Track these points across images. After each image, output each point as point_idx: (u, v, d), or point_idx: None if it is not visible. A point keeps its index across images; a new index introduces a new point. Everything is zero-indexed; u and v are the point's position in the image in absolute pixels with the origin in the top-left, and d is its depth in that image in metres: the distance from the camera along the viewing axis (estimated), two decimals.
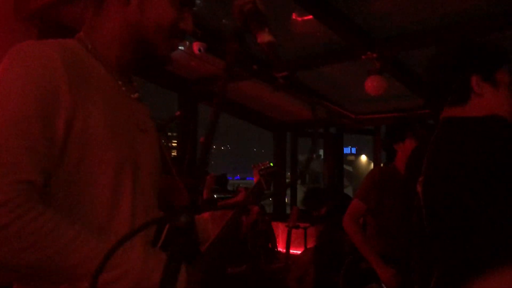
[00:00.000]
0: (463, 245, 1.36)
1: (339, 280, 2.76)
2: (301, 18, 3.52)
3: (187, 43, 3.82)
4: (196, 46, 3.75)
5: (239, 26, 0.85)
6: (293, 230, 4.43)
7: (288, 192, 6.90)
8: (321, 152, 6.87)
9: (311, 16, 3.35)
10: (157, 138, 1.17)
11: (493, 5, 3.04)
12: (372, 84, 3.71)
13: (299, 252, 5.22)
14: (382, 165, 4.14)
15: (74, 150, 0.91)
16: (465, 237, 1.35)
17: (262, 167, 1.59)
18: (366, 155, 32.51)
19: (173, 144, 6.84)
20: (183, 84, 5.09)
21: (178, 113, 3.70)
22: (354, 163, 32.90)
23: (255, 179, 1.55)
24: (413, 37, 3.56)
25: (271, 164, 1.65)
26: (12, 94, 0.87)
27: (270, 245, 4.92)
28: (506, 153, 1.28)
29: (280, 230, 5.75)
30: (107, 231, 0.93)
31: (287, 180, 7.03)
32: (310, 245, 4.88)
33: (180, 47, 3.56)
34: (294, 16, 3.52)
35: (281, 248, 5.35)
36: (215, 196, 4.61)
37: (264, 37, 0.84)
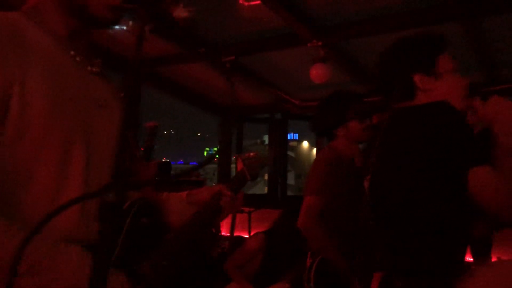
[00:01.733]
0: (407, 241, 1.39)
1: (308, 277, 2.45)
2: (248, 3, 3.50)
3: (131, 23, 3.69)
4: None
5: None
6: (238, 215, 4.46)
7: None
8: (266, 137, 6.94)
9: (258, 1, 3.33)
10: (118, 114, 1.12)
11: None
12: (317, 72, 3.78)
13: (244, 235, 5.27)
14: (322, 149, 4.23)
15: (13, 128, 0.86)
16: (409, 233, 1.39)
17: (246, 157, 1.53)
18: (308, 141, 33.26)
19: None
20: (127, 65, 4.93)
21: (121, 94, 3.58)
22: (297, 149, 33.58)
23: (238, 168, 1.49)
24: (357, 26, 3.65)
25: (259, 153, 1.59)
26: None
27: (213, 230, 4.93)
28: (446, 139, 1.32)
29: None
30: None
31: (233, 165, 7.04)
32: (254, 229, 4.93)
33: (123, 27, 3.43)
34: (241, 0, 3.49)
35: (224, 233, 5.39)
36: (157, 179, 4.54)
37: (179, 12, 0.83)
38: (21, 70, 0.87)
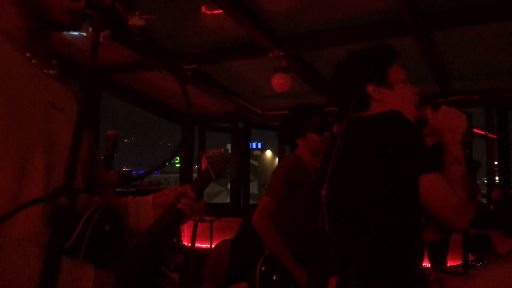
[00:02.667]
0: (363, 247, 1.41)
1: (254, 277, 2.59)
2: (211, 12, 3.52)
3: (90, 29, 3.63)
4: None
5: (105, 5, 0.82)
6: (199, 224, 4.43)
7: None
8: (229, 146, 6.93)
9: (220, 11, 3.36)
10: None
11: (392, 11, 3.29)
12: (278, 81, 3.83)
13: (204, 246, 5.24)
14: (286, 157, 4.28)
15: None
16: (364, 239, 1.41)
17: (212, 155, 1.47)
18: (271, 150, 33.43)
19: None
20: (84, 72, 4.82)
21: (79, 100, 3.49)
22: (260, 158, 33.67)
23: (203, 166, 1.44)
24: (317, 37, 3.73)
25: (225, 150, 1.53)
26: None
27: (175, 240, 4.87)
28: (398, 147, 1.37)
29: (185, 224, 5.70)
30: (14, 221, 0.86)
31: (194, 175, 6.99)
32: (217, 239, 4.91)
33: (82, 33, 3.38)
34: (203, 9, 3.50)
35: (186, 242, 5.32)
36: (118, 190, 4.45)
37: (135, 21, 0.83)
38: None
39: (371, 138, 1.44)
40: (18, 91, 0.90)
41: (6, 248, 0.84)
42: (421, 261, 1.55)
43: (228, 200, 6.87)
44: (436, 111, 1.56)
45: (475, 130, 1.59)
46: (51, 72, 1.03)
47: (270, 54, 3.79)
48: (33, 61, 0.99)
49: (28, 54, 0.98)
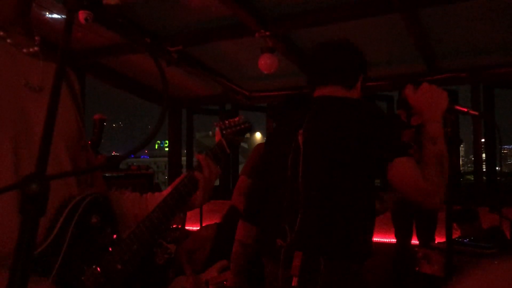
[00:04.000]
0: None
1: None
2: None
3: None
4: (82, 15, 3.50)
5: None
6: None
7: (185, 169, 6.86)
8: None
9: None
10: (63, 100, 1.02)
11: None
12: (265, 62, 3.79)
13: (194, 228, 5.24)
14: None
15: None
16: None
17: (227, 125, 1.23)
18: (260, 132, 33.42)
19: None
20: (68, 55, 4.73)
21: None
22: (249, 140, 33.66)
23: (216, 139, 1.22)
24: (303, 16, 3.69)
25: (243, 117, 1.29)
26: None
27: (179, 226, 4.86)
28: (373, 132, 1.47)
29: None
30: None
31: (183, 158, 6.96)
32: (206, 221, 4.90)
33: (63, 16, 3.29)
34: None
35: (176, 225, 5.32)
36: (106, 175, 4.41)
37: (109, 0, 0.79)
38: None
39: (348, 121, 1.52)
40: None
41: None
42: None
43: (218, 182, 6.86)
44: (417, 89, 1.56)
45: (456, 107, 1.60)
46: (31, 50, 0.98)
47: (256, 34, 3.74)
48: (8, 40, 0.94)
49: (1, 33, 0.93)
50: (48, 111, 0.51)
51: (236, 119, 1.27)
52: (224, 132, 1.22)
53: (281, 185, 1.63)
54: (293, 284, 1.46)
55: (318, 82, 1.72)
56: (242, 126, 1.25)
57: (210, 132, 1.41)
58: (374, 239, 1.63)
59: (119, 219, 1.09)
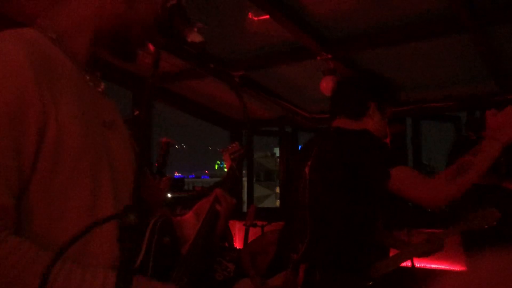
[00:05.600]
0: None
1: None
2: (257, 18, 3.53)
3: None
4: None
5: (163, 21, 0.83)
6: (251, 228, 4.44)
7: (245, 190, 6.92)
8: (276, 150, 6.93)
9: (267, 16, 3.36)
10: (126, 134, 1.08)
11: (445, 9, 3.18)
12: (327, 84, 3.78)
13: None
14: None
15: (48, 158, 0.82)
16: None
17: (232, 150, 1.44)
18: None
19: None
20: (137, 82, 4.98)
21: (136, 112, 3.57)
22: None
23: (226, 165, 1.42)
24: (365, 38, 3.66)
25: (239, 144, 1.49)
26: None
27: (226, 244, 4.92)
28: (366, 155, 1.65)
29: (236, 229, 5.76)
30: (90, 239, 0.86)
31: (244, 178, 7.04)
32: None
33: None
34: (250, 15, 3.53)
35: (238, 246, 5.36)
36: (169, 195, 4.55)
37: (195, 37, 0.84)
38: (54, 96, 0.83)
39: (347, 149, 1.72)
40: (85, 112, 0.90)
41: (80, 265, 0.84)
42: (381, 256, 1.82)
43: (277, 204, 6.85)
44: (500, 111, 1.58)
45: None
46: (102, 87, 1.03)
47: (318, 58, 3.75)
48: (90, 83, 0.99)
49: (87, 77, 0.98)
50: (140, 147, 0.54)
51: (235, 144, 1.48)
52: (232, 156, 1.41)
53: (294, 208, 1.86)
54: None
55: (331, 114, 1.96)
56: (243, 149, 1.46)
57: (268, 153, 1.57)
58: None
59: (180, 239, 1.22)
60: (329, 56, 3.71)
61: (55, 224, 0.84)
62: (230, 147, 1.46)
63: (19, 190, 0.79)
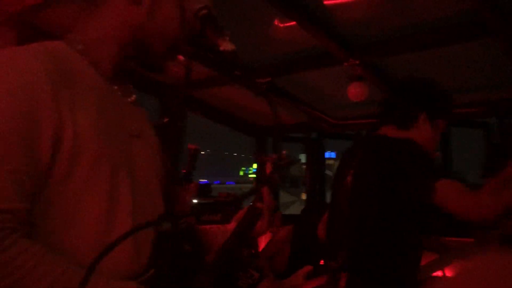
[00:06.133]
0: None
1: None
2: (283, 25, 3.54)
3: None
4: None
5: (194, 31, 0.85)
6: None
7: None
8: (302, 156, 6.90)
9: (293, 23, 3.37)
10: (155, 142, 1.11)
11: (473, 12, 3.12)
12: (355, 91, 3.76)
13: None
14: None
15: (64, 163, 0.85)
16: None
17: (276, 158, 1.39)
18: None
19: None
20: (165, 90, 5.05)
21: (166, 119, 3.60)
22: (334, 167, 33.18)
23: (267, 171, 1.39)
24: (394, 43, 3.61)
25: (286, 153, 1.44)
26: None
27: (253, 251, 4.90)
28: (414, 169, 1.61)
29: (262, 236, 5.74)
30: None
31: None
32: None
33: None
34: (276, 22, 3.53)
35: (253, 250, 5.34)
36: (195, 201, 4.57)
37: (227, 46, 0.85)
38: (71, 105, 0.87)
39: (391, 159, 1.68)
40: (107, 121, 0.94)
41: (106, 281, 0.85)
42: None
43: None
44: None
45: None
46: (133, 98, 1.07)
47: (345, 64, 3.73)
48: (119, 93, 1.03)
49: (115, 87, 1.02)
50: (171, 155, 0.55)
51: (283, 152, 1.42)
52: (274, 164, 1.39)
53: (333, 217, 1.87)
54: None
55: (378, 121, 1.92)
56: (287, 160, 1.40)
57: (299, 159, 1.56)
58: None
59: (204, 245, 1.20)
60: (357, 62, 3.68)
61: (70, 229, 0.86)
62: (274, 155, 1.43)
63: (32, 195, 0.82)
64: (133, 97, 1.08)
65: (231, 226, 1.32)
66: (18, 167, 0.79)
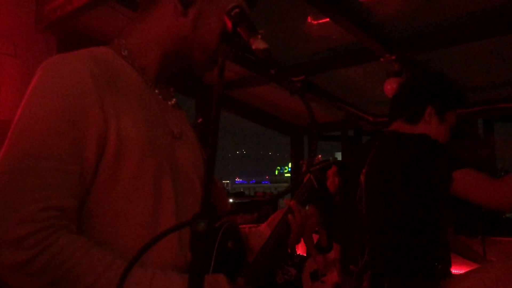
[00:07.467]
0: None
1: None
2: (317, 21, 3.50)
3: None
4: None
5: (227, 30, 0.85)
6: (314, 235, 4.40)
7: None
8: (338, 155, 6.82)
9: (326, 19, 3.33)
10: (196, 143, 1.15)
11: (508, 6, 2.99)
12: (392, 86, 3.67)
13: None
14: None
15: (109, 165, 0.87)
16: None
17: (313, 162, 1.39)
18: None
19: None
20: (199, 89, 5.10)
21: (200, 119, 3.65)
22: None
23: (305, 178, 1.37)
24: (431, 37, 3.51)
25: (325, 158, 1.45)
26: (41, 114, 0.83)
27: (289, 250, 4.90)
28: (428, 163, 1.60)
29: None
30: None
31: None
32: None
33: None
34: (309, 19, 3.50)
35: (300, 253, 5.32)
36: (230, 200, 4.60)
37: (259, 44, 0.84)
38: (116, 108, 0.90)
39: (405, 153, 1.67)
40: (150, 122, 0.96)
41: (151, 273, 0.86)
42: (444, 263, 1.74)
43: None
44: None
45: None
46: (173, 101, 1.11)
47: (381, 59, 3.66)
48: (160, 96, 1.06)
49: (157, 91, 1.05)
50: (209, 156, 0.55)
51: (319, 156, 1.45)
52: (311, 169, 1.36)
53: (351, 219, 1.81)
54: None
55: (390, 117, 1.92)
56: (325, 163, 1.40)
57: (331, 158, 1.53)
58: None
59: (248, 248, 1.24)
60: (393, 57, 3.60)
61: (117, 227, 0.88)
62: (311, 160, 1.45)
63: (81, 194, 0.84)
64: (174, 100, 1.12)
65: (263, 227, 1.32)
66: (67, 165, 0.81)
